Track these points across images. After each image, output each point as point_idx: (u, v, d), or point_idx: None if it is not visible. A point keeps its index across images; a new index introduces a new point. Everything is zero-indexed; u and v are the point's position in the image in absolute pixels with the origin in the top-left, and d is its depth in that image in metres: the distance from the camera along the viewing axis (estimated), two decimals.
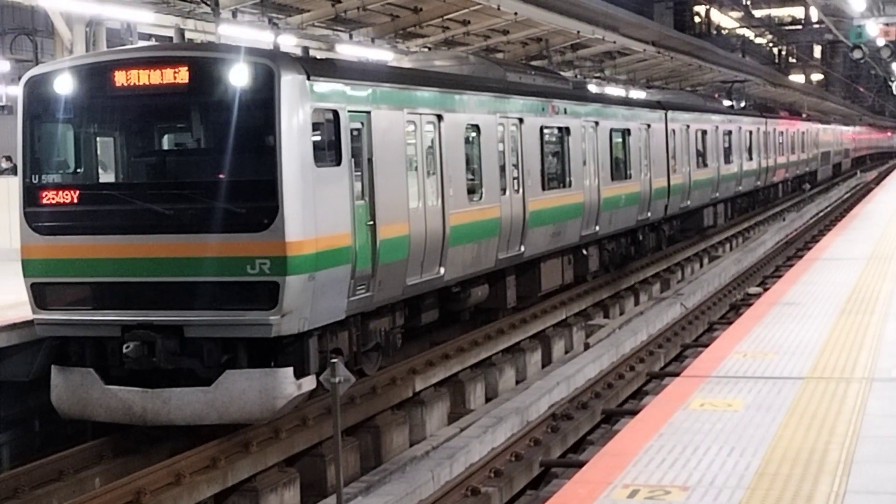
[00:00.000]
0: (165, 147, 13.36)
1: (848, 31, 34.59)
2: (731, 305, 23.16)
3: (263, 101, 11.86)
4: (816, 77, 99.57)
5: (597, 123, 22.58)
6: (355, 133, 13.23)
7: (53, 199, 12.45)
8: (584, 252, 22.27)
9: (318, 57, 16.85)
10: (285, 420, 12.68)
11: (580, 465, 10.00)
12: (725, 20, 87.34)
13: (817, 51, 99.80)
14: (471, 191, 16.62)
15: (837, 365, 10.71)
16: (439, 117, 15.57)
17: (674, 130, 28.73)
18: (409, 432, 14.57)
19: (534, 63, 30.10)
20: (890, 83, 77.82)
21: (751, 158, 39.42)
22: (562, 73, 29.29)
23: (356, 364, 13.74)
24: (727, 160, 35.35)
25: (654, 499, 6.98)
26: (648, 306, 23.57)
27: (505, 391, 17.22)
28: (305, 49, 15.58)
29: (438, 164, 15.51)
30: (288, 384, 11.90)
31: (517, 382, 17.96)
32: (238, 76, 11.87)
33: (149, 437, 12.67)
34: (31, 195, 12.57)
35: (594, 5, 30.84)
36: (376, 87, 13.93)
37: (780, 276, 21.35)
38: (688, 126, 30.33)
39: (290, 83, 11.91)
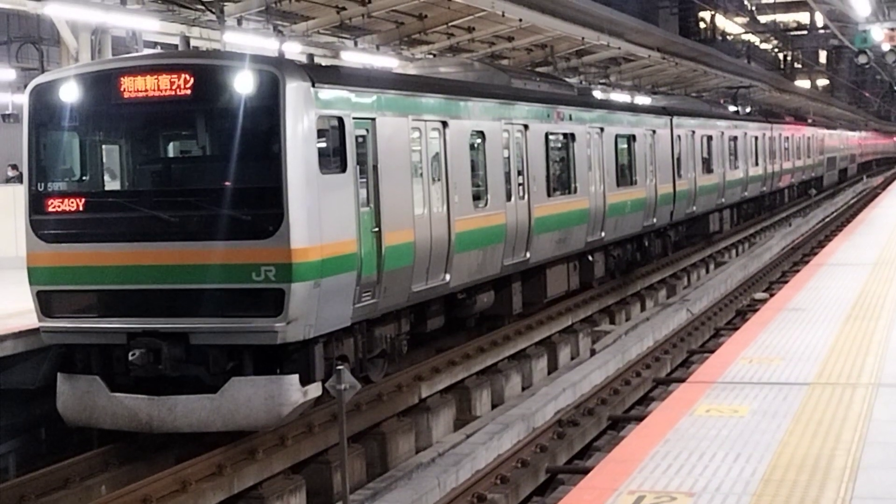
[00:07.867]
0: (171, 154, 13.39)
1: (853, 37, 34.56)
2: (737, 311, 23.12)
3: (268, 109, 11.87)
4: (822, 82, 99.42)
5: (602, 129, 22.58)
6: (360, 140, 13.23)
7: (59, 206, 12.48)
8: (590, 258, 22.26)
9: (323, 64, 16.85)
10: (291, 427, 12.68)
11: (586, 471, 9.98)
12: (730, 26, 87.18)
13: (822, 56, 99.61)
14: (476, 197, 16.61)
15: (843, 371, 10.70)
16: (444, 124, 15.57)
17: (679, 136, 28.72)
18: (415, 439, 14.57)
19: (539, 69, 30.10)
20: (895, 88, 77.78)
21: (756, 164, 39.39)
22: (567, 79, 29.28)
23: (362, 371, 13.74)
24: (733, 166, 35.32)
25: None
26: (654, 312, 23.52)
27: (511, 397, 17.21)
28: (310, 56, 15.62)
29: (443, 170, 15.51)
30: (294, 391, 11.90)
31: (523, 389, 17.95)
32: (243, 84, 11.88)
33: (155, 445, 12.68)
34: (36, 203, 12.58)
35: (599, 11, 30.82)
36: (381, 93, 13.93)
37: (786, 282, 21.31)
38: (693, 132, 30.31)
39: (294, 90, 11.92)
